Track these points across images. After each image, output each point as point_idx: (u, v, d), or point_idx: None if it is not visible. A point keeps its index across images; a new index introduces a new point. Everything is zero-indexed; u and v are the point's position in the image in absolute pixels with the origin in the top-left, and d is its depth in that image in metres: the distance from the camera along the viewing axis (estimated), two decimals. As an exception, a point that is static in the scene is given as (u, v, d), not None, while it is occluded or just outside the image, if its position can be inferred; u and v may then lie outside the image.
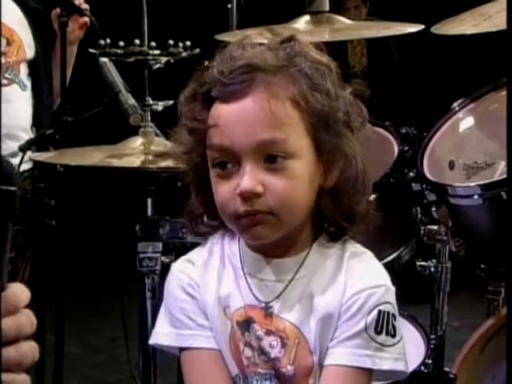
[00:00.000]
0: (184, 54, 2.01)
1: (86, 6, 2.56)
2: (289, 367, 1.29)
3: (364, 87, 5.16)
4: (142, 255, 1.97)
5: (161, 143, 1.96)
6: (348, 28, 2.20)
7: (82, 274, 4.38)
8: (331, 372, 1.27)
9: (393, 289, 1.29)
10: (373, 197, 1.91)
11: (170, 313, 1.34)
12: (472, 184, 1.99)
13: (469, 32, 2.07)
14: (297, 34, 1.30)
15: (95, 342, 4.01)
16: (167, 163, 1.86)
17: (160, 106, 2.03)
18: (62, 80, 2.47)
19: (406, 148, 2.18)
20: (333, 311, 1.27)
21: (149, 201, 2.03)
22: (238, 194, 1.20)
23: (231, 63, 1.22)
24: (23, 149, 2.26)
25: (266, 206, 1.21)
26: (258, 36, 1.29)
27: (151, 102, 2.03)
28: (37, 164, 2.45)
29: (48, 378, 2.37)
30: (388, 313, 1.26)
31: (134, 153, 1.98)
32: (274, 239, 1.26)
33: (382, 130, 2.27)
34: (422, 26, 2.14)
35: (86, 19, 2.57)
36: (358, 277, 1.28)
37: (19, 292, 0.77)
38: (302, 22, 2.17)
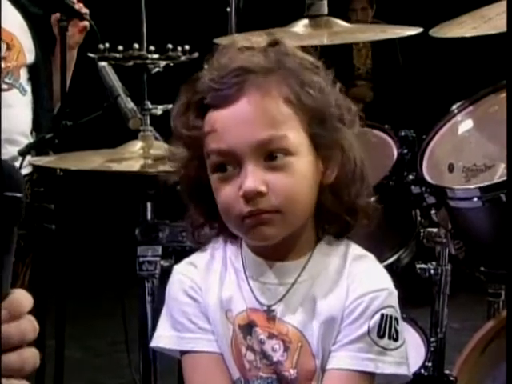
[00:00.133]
0: (183, 58, 2.01)
1: (85, 11, 2.56)
2: (291, 371, 1.29)
3: (368, 89, 5.17)
4: (141, 259, 1.97)
5: (160, 147, 1.95)
6: (346, 31, 2.20)
7: (82, 277, 4.37)
8: (334, 376, 1.27)
9: (395, 292, 1.29)
10: (372, 199, 1.91)
11: (172, 316, 1.34)
12: (471, 186, 1.99)
13: (468, 35, 2.06)
14: (282, 37, 1.31)
15: (96, 346, 4.01)
16: (167, 167, 1.85)
17: (159, 109, 2.03)
18: (61, 84, 2.47)
19: (406, 151, 2.18)
20: (336, 315, 1.27)
21: (148, 205, 2.03)
22: (241, 196, 1.21)
23: (221, 69, 1.23)
24: (23, 153, 2.26)
25: (270, 204, 1.21)
26: (243, 41, 1.30)
27: (150, 105, 2.03)
28: (36, 168, 2.45)
29: (49, 382, 2.37)
30: (391, 317, 1.26)
31: (133, 157, 1.97)
32: (279, 239, 1.26)
33: (381, 133, 2.28)
34: (420, 29, 2.14)
35: (86, 23, 2.58)
36: (360, 280, 1.28)
37: (22, 298, 0.77)
38: (301, 26, 2.17)
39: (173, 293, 1.36)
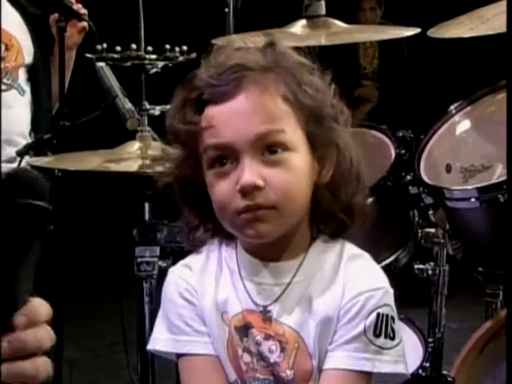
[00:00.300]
0: (181, 59, 2.01)
1: (84, 11, 2.55)
2: (288, 372, 1.29)
3: (374, 89, 5.16)
4: (139, 259, 1.97)
5: (158, 147, 1.94)
6: (344, 32, 2.19)
7: (81, 278, 4.36)
8: (330, 376, 1.27)
9: (391, 291, 1.29)
10: (370, 200, 1.91)
11: (168, 319, 1.34)
12: (469, 187, 1.99)
13: (466, 35, 2.06)
14: (278, 39, 1.32)
15: (95, 347, 4.00)
16: (165, 167, 1.85)
17: (157, 110, 2.03)
18: (60, 85, 2.47)
19: (403, 151, 2.18)
20: (332, 314, 1.27)
21: (146, 205, 2.03)
22: (238, 190, 1.21)
23: (219, 66, 1.24)
24: (21, 154, 2.26)
25: (267, 199, 1.21)
26: (240, 41, 1.31)
27: (148, 106, 2.03)
28: (34, 169, 2.45)
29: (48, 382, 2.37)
30: (387, 315, 1.26)
31: (131, 157, 1.97)
32: (274, 237, 1.25)
33: (378, 134, 2.28)
34: (418, 30, 2.14)
35: (85, 24, 2.57)
36: (356, 280, 1.28)
37: (40, 306, 0.78)
38: (299, 26, 2.16)
39: (168, 295, 1.35)
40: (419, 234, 2.15)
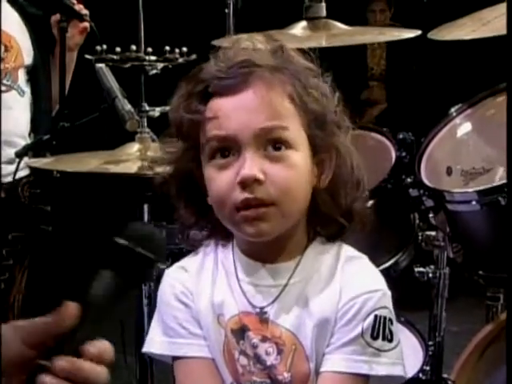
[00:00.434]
0: (180, 60, 2.01)
1: (86, 12, 2.54)
2: (285, 374, 1.28)
3: (381, 90, 5.16)
4: (138, 261, 1.96)
5: (157, 149, 1.95)
6: (345, 33, 2.18)
7: (79, 279, 4.37)
8: (328, 378, 1.26)
9: (389, 293, 1.29)
10: (370, 203, 1.91)
11: (163, 321, 1.33)
12: (469, 190, 1.98)
13: (467, 37, 2.05)
14: (285, 43, 1.32)
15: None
16: (164, 169, 1.84)
17: (156, 111, 2.03)
18: (60, 86, 2.46)
19: (404, 154, 2.18)
20: (329, 316, 1.26)
21: (145, 207, 2.03)
22: (238, 182, 1.20)
23: (228, 61, 1.24)
24: (20, 155, 2.25)
25: (267, 194, 1.21)
26: (248, 40, 1.30)
27: (148, 107, 2.03)
28: (33, 170, 2.44)
29: None
30: (384, 318, 1.26)
31: (130, 159, 1.97)
32: (274, 236, 1.25)
33: (379, 136, 2.27)
34: (418, 32, 2.14)
35: (86, 25, 2.56)
36: (353, 281, 1.28)
37: (109, 350, 0.82)
38: (299, 28, 2.17)
39: (164, 298, 1.35)
40: (419, 237, 2.15)
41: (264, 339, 1.29)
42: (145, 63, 2.01)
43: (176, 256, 1.85)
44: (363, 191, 1.31)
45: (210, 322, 1.30)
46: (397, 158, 2.17)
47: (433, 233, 2.12)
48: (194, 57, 2.00)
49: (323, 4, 2.14)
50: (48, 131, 2.40)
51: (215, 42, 2.11)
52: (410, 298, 2.29)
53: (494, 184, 1.97)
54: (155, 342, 1.34)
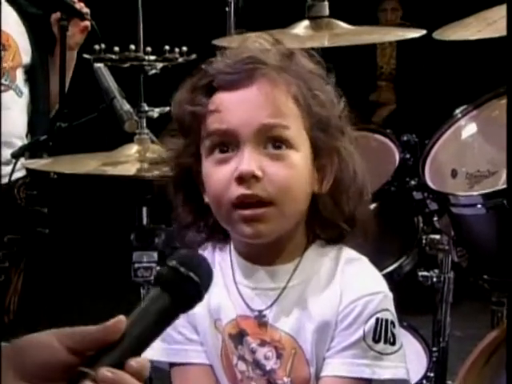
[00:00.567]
0: (180, 60, 1.99)
1: (86, 10, 2.55)
2: (285, 379, 1.28)
3: (390, 91, 5.15)
4: (137, 265, 1.94)
5: (157, 150, 1.93)
6: (348, 33, 2.17)
7: (77, 283, 4.36)
8: (328, 383, 1.25)
9: (390, 295, 1.28)
10: (373, 205, 1.91)
11: None
12: (475, 193, 1.97)
13: (472, 37, 2.04)
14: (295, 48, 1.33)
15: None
16: (163, 171, 1.83)
17: (156, 112, 2.01)
18: (60, 86, 2.45)
19: (408, 156, 2.17)
20: (329, 320, 1.25)
21: (144, 209, 2.01)
22: (236, 177, 1.20)
23: (234, 57, 1.26)
24: (16, 155, 2.25)
25: (264, 191, 1.20)
26: (257, 39, 1.31)
27: (147, 108, 2.01)
28: (30, 171, 2.43)
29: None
30: (386, 320, 1.25)
31: (129, 160, 1.95)
32: (273, 237, 1.24)
33: (382, 138, 2.26)
34: (423, 32, 2.13)
35: (87, 23, 2.56)
36: (354, 284, 1.27)
37: (147, 367, 0.87)
38: (302, 27, 2.15)
39: None
40: (423, 241, 2.14)
41: (263, 343, 1.28)
42: (144, 63, 1.98)
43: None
44: (366, 197, 1.31)
45: (206, 327, 1.30)
46: (400, 160, 2.15)
47: (437, 236, 2.11)
48: (194, 56, 1.98)
49: (326, 3, 2.13)
50: (45, 132, 2.38)
51: (216, 42, 2.10)
52: (414, 302, 2.30)
53: (500, 187, 1.95)
54: (152, 349, 1.31)
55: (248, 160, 1.20)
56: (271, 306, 1.27)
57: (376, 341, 1.24)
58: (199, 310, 1.28)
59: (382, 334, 1.24)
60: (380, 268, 1.34)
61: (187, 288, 0.89)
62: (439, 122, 2.19)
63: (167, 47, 1.98)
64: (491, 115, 2.16)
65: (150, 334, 0.88)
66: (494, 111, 2.17)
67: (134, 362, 0.84)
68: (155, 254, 1.95)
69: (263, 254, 1.28)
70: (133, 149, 1.99)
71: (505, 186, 1.93)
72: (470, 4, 2.32)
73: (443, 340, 2.13)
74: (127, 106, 1.97)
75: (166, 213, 1.77)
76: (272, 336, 1.27)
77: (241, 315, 1.28)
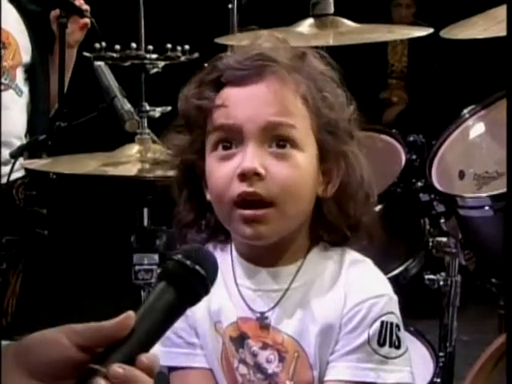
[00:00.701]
0: (182, 59, 1.98)
1: (86, 7, 2.54)
2: (288, 383, 1.26)
3: (400, 89, 5.13)
4: (137, 267, 1.93)
5: (158, 151, 1.93)
6: (353, 31, 2.17)
7: (76, 285, 4.36)
8: None
9: (395, 297, 1.27)
10: (379, 207, 1.90)
11: None
12: (483, 195, 1.96)
13: (479, 36, 2.03)
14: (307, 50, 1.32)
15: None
16: (164, 172, 1.81)
17: (157, 112, 2.00)
18: (60, 84, 2.43)
19: (414, 157, 2.16)
20: (333, 322, 1.24)
21: (145, 210, 2.00)
22: (238, 174, 1.19)
23: (245, 53, 1.25)
24: (14, 155, 2.24)
25: (266, 189, 1.19)
26: (270, 38, 1.30)
27: (148, 107, 2.00)
28: (29, 171, 2.42)
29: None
30: (391, 323, 1.24)
31: (130, 161, 1.94)
32: (274, 239, 1.23)
33: (388, 138, 2.25)
34: (430, 30, 2.13)
35: (87, 20, 2.55)
36: (358, 286, 1.26)
37: (157, 363, 0.85)
38: (306, 26, 2.15)
39: None
40: (430, 243, 2.13)
41: (265, 346, 1.27)
42: (145, 61, 1.98)
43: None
44: (372, 204, 1.30)
45: (206, 330, 1.29)
46: (407, 161, 2.15)
47: (444, 239, 2.10)
48: (196, 55, 1.98)
49: (331, 1, 2.13)
50: (44, 132, 2.37)
51: (218, 40, 2.08)
52: (420, 306, 2.29)
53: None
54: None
55: (251, 157, 1.18)
56: (273, 307, 1.26)
57: (381, 344, 1.23)
58: (199, 312, 1.27)
59: (386, 337, 1.23)
60: (386, 271, 1.32)
61: (194, 281, 0.87)
62: (447, 122, 2.19)
63: (169, 45, 1.97)
64: (499, 115, 2.15)
65: (159, 329, 0.86)
66: (502, 111, 2.15)
67: (144, 358, 0.83)
68: (156, 256, 1.94)
69: (265, 255, 1.27)
70: (134, 149, 1.98)
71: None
72: (477, 2, 2.30)
73: (450, 345, 2.11)
74: (128, 106, 1.96)
75: (168, 214, 1.75)
76: (274, 339, 1.26)
77: (242, 317, 1.27)
